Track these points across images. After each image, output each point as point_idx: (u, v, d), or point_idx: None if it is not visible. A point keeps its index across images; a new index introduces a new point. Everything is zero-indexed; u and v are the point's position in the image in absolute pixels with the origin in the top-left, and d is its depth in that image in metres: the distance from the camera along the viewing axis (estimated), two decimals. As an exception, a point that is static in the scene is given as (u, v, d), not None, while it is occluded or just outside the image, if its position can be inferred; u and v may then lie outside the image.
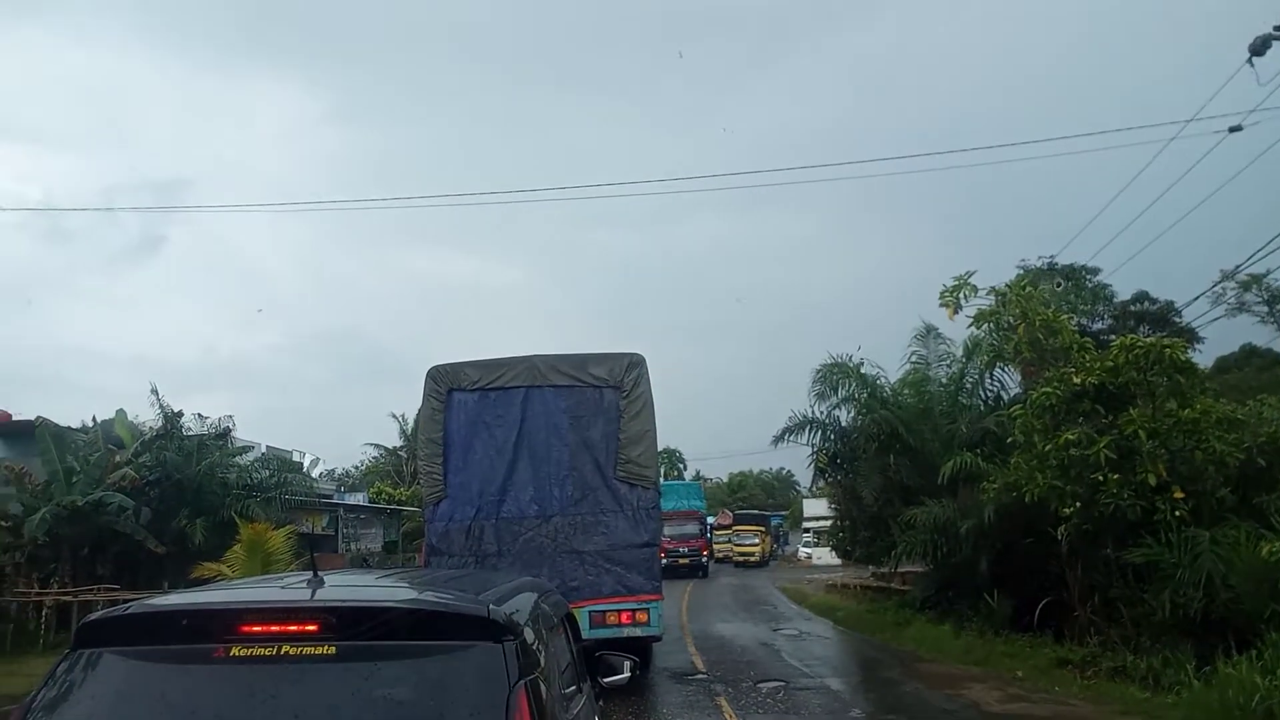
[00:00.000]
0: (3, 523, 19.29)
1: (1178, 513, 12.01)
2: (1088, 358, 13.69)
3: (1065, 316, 15.90)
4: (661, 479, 37.13)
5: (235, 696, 2.84)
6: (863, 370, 21.70)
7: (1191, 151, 18.15)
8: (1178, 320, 28.07)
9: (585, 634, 9.23)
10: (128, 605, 3.20)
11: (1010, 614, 16.03)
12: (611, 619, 11.75)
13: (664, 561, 33.47)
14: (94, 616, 3.17)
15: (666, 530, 36.10)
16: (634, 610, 11.86)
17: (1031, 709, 11.22)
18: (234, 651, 2.85)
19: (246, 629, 2.90)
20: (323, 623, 2.92)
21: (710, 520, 53.22)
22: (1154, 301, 30.46)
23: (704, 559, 43.02)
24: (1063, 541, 13.34)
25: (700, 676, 13.98)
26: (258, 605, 3.17)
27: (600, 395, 12.50)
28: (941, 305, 15.84)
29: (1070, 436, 12.74)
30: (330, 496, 35.87)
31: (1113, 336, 18.61)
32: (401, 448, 49.74)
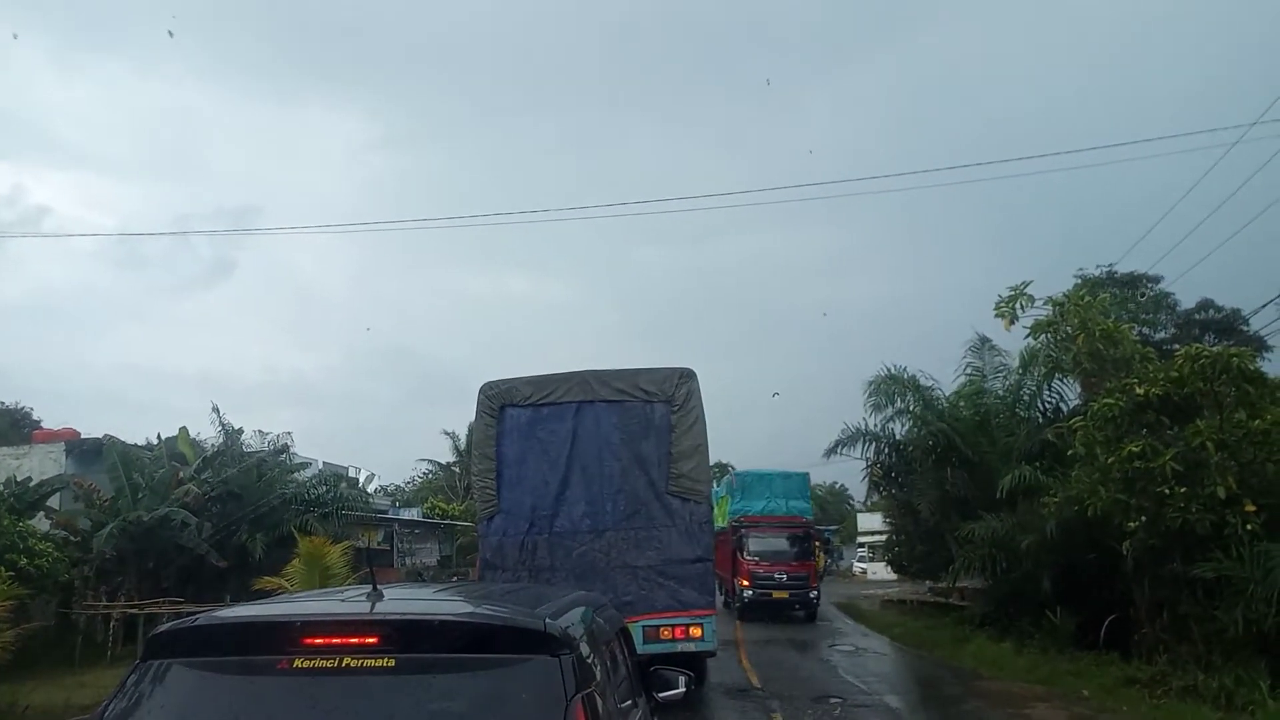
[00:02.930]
0: (72, 537, 19.88)
1: (1249, 526, 11.64)
2: (1151, 368, 13.37)
3: (1126, 326, 15.56)
4: (736, 470, 29.58)
5: (298, 707, 2.88)
6: (918, 382, 21.43)
7: (1257, 155, 17.63)
8: (1245, 328, 27.23)
9: (639, 649, 9.20)
10: (195, 617, 3.28)
11: (1074, 631, 15.65)
12: (665, 634, 11.70)
13: (747, 594, 25.54)
14: (163, 628, 3.25)
15: (752, 545, 26.09)
16: (688, 625, 11.79)
17: (1098, 729, 10.91)
18: (297, 663, 2.89)
19: (309, 641, 2.94)
20: (383, 635, 2.95)
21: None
22: (1219, 309, 29.56)
23: (812, 595, 26.31)
24: (1128, 557, 12.98)
25: (755, 692, 13.83)
26: (320, 618, 3.22)
27: (652, 410, 12.49)
28: (997, 316, 15.60)
29: (1134, 448, 12.42)
30: (385, 512, 36.35)
31: (1176, 346, 18.17)
32: (454, 463, 50.24)
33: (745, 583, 25.79)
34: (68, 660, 16.99)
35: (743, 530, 26.64)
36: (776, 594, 25.62)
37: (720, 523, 29.83)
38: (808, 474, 29.69)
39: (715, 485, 34.93)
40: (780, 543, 26.36)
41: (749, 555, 26.14)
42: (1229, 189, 18.49)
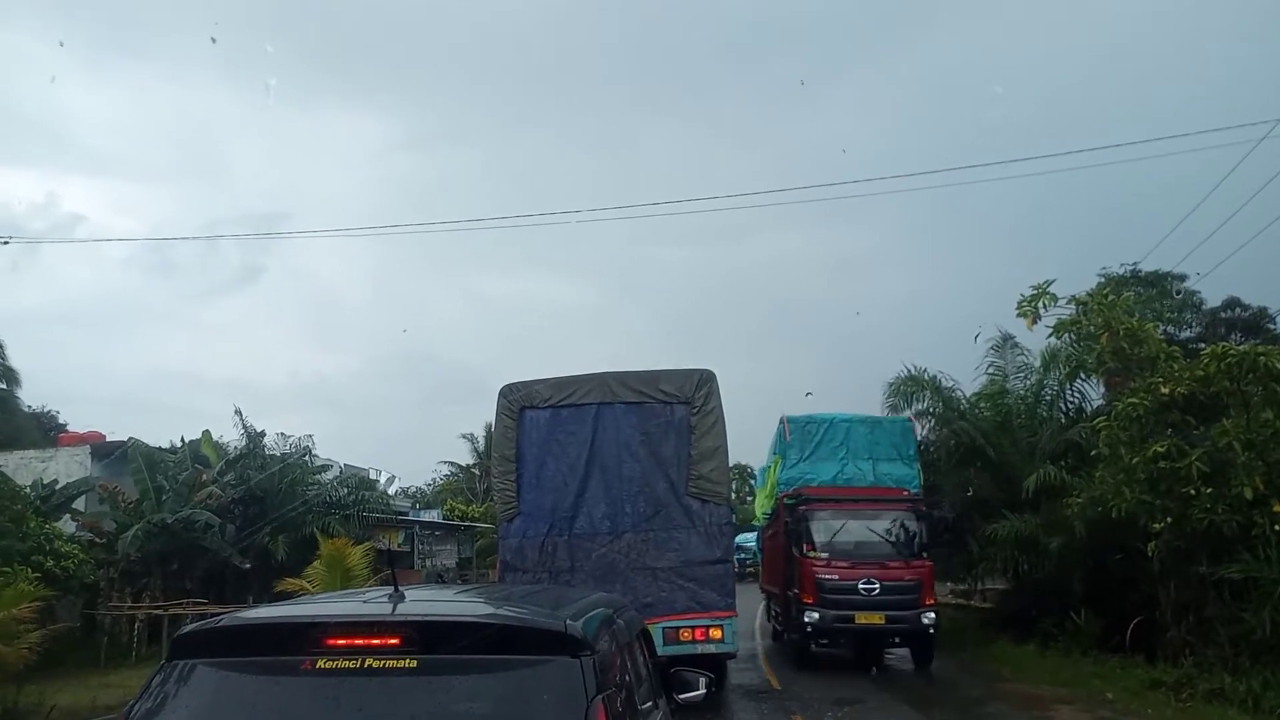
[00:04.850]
0: (98, 539, 20.12)
1: (1277, 527, 11.49)
2: (1176, 367, 13.22)
3: (1151, 325, 15.40)
4: (791, 416, 17.80)
5: (321, 708, 2.91)
6: (939, 383, 21.32)
7: (1283, 151, 17.37)
8: (1272, 327, 26.92)
9: (659, 650, 9.20)
10: (219, 618, 3.31)
11: (1098, 633, 15.51)
12: (685, 635, 11.70)
13: (813, 617, 15.35)
14: (188, 629, 3.29)
15: (820, 535, 16.06)
16: (708, 627, 11.79)
17: (1124, 732, 10.82)
18: (320, 664, 2.92)
19: (332, 642, 2.97)
20: (404, 637, 2.97)
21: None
22: (1245, 308, 29.18)
23: (927, 619, 15.55)
24: (1154, 558, 12.85)
25: (775, 694, 13.80)
26: (343, 619, 3.25)
27: (671, 411, 12.52)
28: (1019, 315, 15.42)
29: (1159, 449, 12.29)
30: (405, 514, 36.50)
31: (1202, 345, 17.97)
32: (474, 465, 50.47)
33: (809, 599, 15.59)
34: (93, 661, 17.19)
35: (803, 510, 16.42)
36: (863, 618, 15.28)
37: (765, 507, 21.84)
38: (910, 421, 19.19)
39: (737, 479, 30.77)
40: (869, 530, 16.10)
41: (815, 553, 15.92)
42: (1256, 184, 18.25)
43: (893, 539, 16.09)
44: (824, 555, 15.88)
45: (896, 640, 16.18)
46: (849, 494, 16.89)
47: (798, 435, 18.14)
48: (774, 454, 19.45)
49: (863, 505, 16.57)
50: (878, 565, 15.60)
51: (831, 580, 15.54)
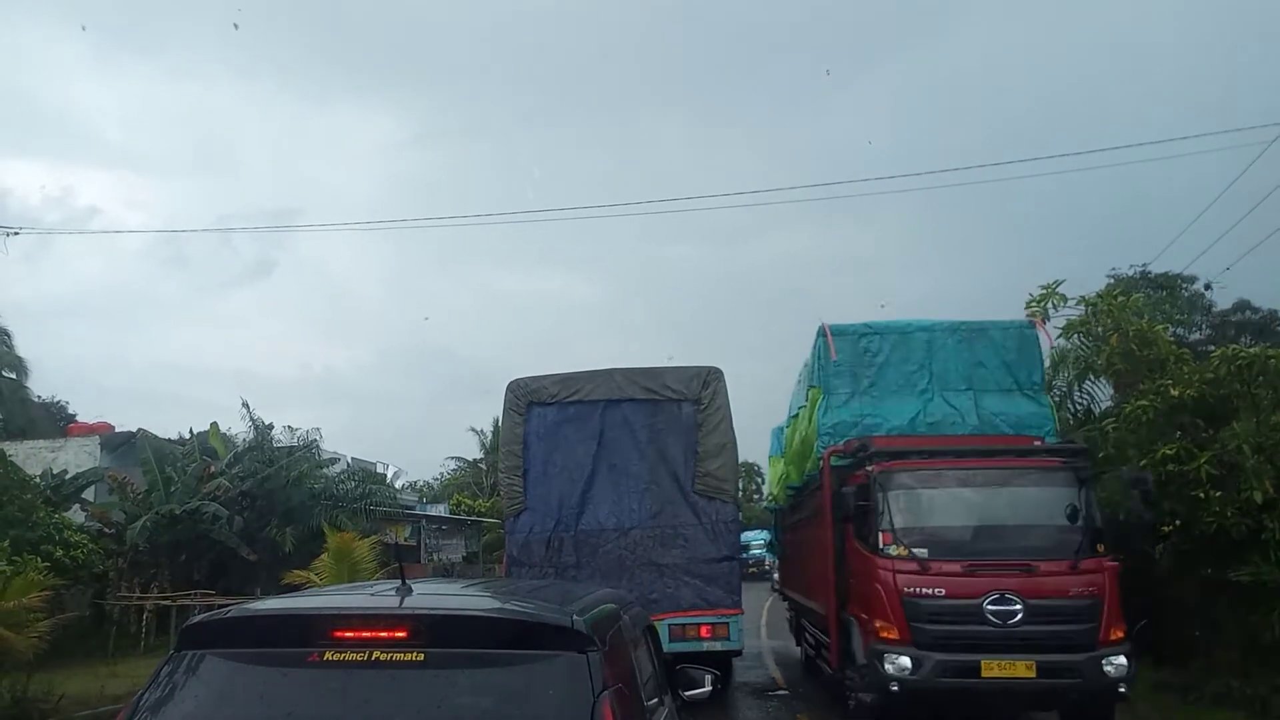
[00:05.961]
0: (106, 529, 20.23)
1: (1287, 531, 11.42)
2: (1186, 369, 13.15)
3: (1161, 327, 15.34)
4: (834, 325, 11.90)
5: (328, 699, 2.92)
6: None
7: (1296, 153, 17.26)
8: (1282, 330, 26.80)
9: (665, 647, 9.20)
10: (227, 610, 3.34)
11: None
12: (691, 632, 11.69)
13: (898, 665, 8.97)
14: (197, 620, 3.32)
15: (904, 516, 9.48)
16: (714, 624, 11.77)
17: (1129, 735, 10.76)
18: (328, 656, 2.93)
19: (340, 634, 2.98)
20: (412, 630, 2.99)
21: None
22: (1256, 310, 29.05)
23: (1111, 672, 8.63)
24: (1161, 561, 12.80)
25: (781, 693, 13.79)
26: (351, 611, 3.26)
27: (678, 408, 12.49)
28: (1028, 315, 15.41)
29: (1168, 451, 12.23)
30: (413, 507, 36.62)
31: (1211, 347, 17.88)
32: (481, 460, 50.57)
33: (891, 632, 9.19)
34: (102, 650, 17.27)
35: (875, 475, 9.77)
36: (997, 667, 8.75)
37: (789, 476, 15.45)
38: (1031, 327, 12.78)
39: (744, 477, 29.49)
40: (995, 506, 9.88)
41: (899, 548, 9.37)
42: (1267, 187, 18.15)
43: (1040, 521, 9.66)
44: (920, 552, 9.25)
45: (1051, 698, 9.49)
46: (949, 445, 10.63)
47: (850, 355, 11.95)
48: (809, 386, 12.77)
49: (980, 462, 9.99)
50: (1017, 570, 9.12)
51: (934, 598, 9.05)
